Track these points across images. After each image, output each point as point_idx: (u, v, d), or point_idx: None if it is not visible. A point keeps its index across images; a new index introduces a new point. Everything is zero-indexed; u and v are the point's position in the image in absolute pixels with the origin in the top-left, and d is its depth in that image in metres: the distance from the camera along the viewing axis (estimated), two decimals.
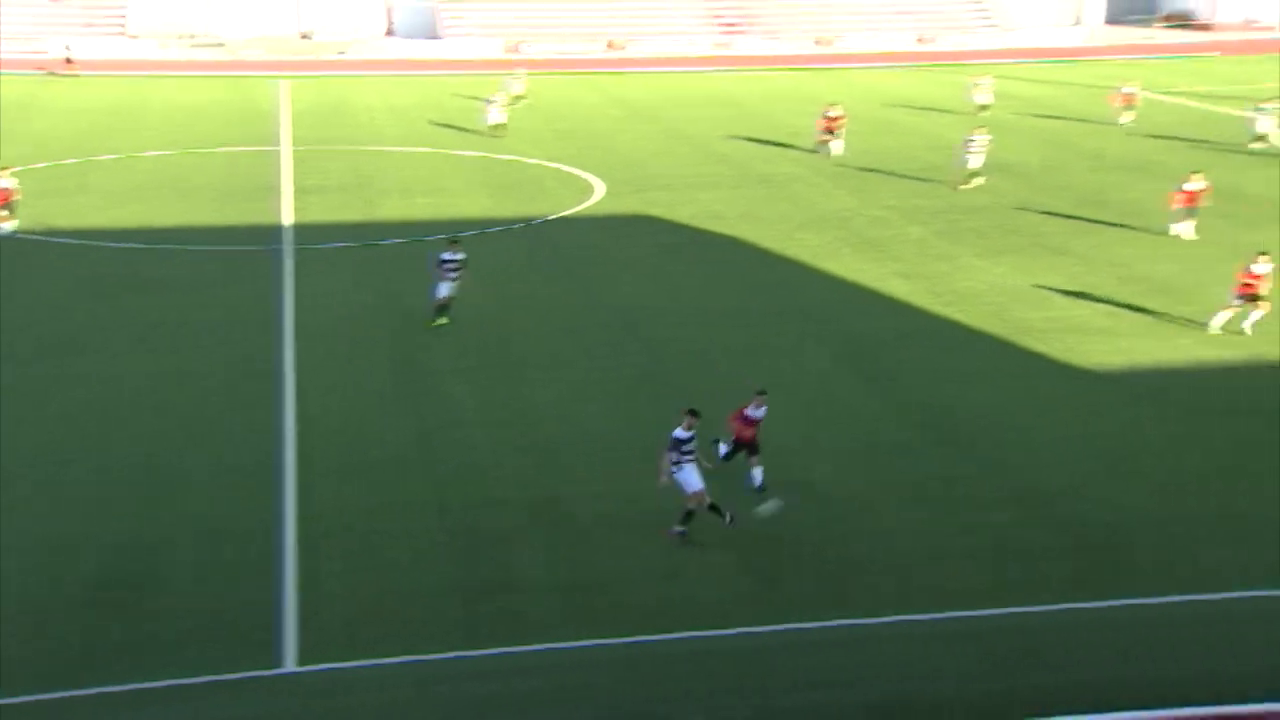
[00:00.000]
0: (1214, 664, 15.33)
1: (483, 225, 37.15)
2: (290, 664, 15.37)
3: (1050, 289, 30.79)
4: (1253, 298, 26.86)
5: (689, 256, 34.55)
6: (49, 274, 32.31)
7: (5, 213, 35.82)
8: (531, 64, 71.79)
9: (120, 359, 26.14)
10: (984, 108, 58.30)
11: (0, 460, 20.82)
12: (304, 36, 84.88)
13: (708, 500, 18.09)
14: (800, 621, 16.28)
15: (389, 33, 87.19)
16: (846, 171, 45.29)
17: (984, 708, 14.63)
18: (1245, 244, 32.00)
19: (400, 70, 75.14)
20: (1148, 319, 28.34)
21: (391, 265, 33.11)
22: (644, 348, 26.99)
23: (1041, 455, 21.34)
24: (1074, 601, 16.70)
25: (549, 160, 47.35)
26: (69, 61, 71.27)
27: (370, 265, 33.27)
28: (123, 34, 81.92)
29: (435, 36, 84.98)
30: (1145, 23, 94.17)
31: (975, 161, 42.49)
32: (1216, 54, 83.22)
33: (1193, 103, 61.61)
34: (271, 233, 36.34)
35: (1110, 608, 16.60)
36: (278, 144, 50.53)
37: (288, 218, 38.13)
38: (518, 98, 59.44)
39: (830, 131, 48.14)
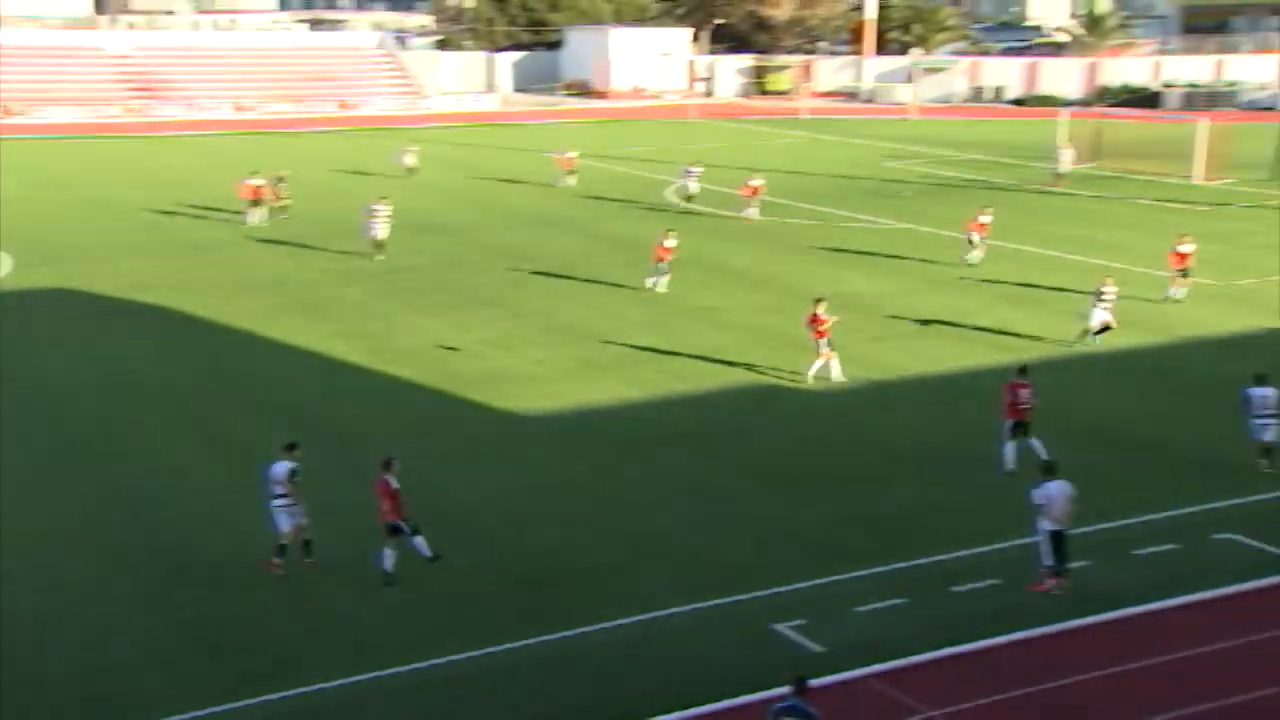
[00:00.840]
0: (650, 681, 16.17)
1: None
2: None
3: (484, 341, 31.63)
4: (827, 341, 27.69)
5: (117, 328, 32.27)
6: None
7: None
8: None
9: None
10: (412, 171, 59.33)
11: None
12: None
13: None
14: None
15: None
16: (278, 235, 44.32)
17: None
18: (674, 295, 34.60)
19: None
20: (573, 363, 29.80)
21: None
22: (61, 427, 24.85)
23: (478, 499, 21.73)
24: (524, 639, 17.05)
25: None
26: None
27: None
28: None
29: None
30: (550, 90, 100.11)
31: (380, 231, 40.60)
32: (612, 120, 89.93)
33: (600, 163, 66.06)
34: None
35: (558, 640, 17.08)
36: None
37: None
38: None
39: (258, 199, 46.84)
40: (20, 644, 16.82)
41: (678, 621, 17.61)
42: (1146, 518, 20.63)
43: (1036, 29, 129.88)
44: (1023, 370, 23.34)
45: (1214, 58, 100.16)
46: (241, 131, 76.27)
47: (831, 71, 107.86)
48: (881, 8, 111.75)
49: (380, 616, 17.72)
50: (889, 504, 21.50)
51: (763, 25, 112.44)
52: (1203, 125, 58.52)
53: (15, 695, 15.60)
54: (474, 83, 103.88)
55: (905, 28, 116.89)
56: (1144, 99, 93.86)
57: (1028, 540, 18.93)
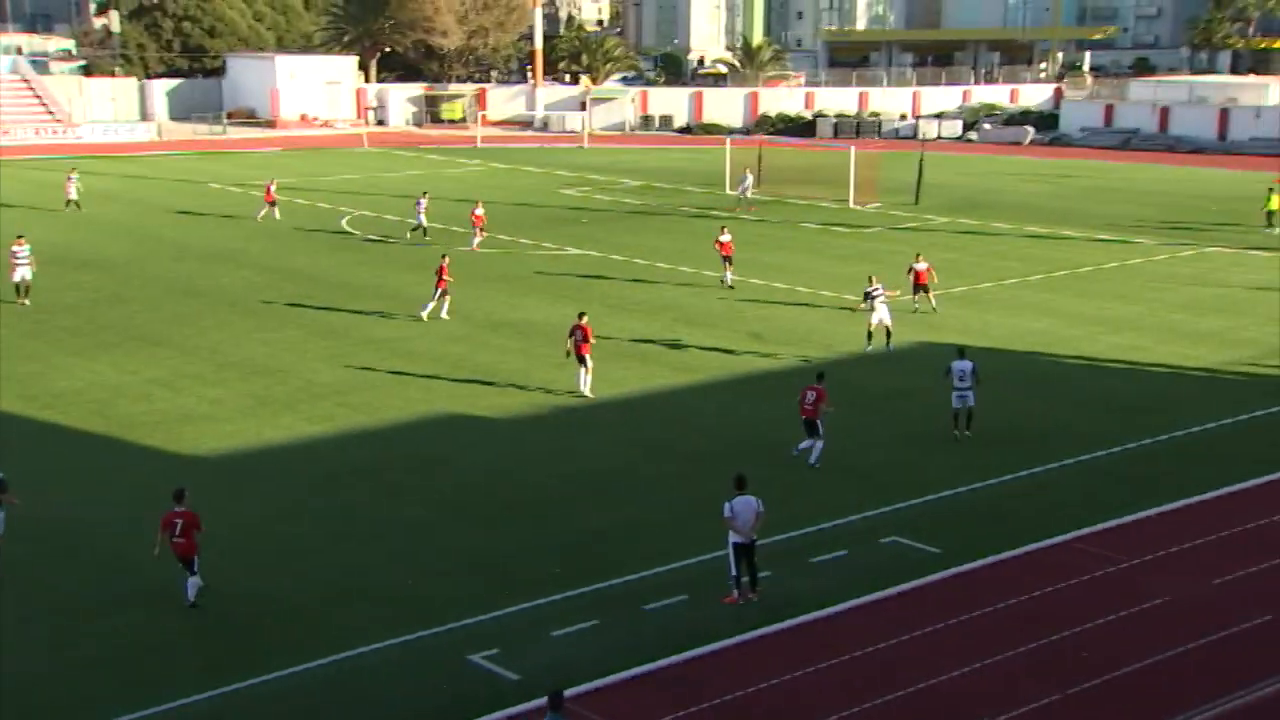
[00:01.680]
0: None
1: None
2: None
3: (153, 381, 30.08)
4: (582, 358, 28.52)
5: None
6: None
7: None
8: None
9: None
10: (73, 204, 55.78)
11: None
12: None
13: None
14: None
15: None
16: None
17: None
18: (324, 320, 33.85)
19: None
20: (250, 400, 28.74)
21: None
22: None
23: (148, 549, 20.63)
24: (210, 690, 16.29)
25: None
26: None
27: None
28: None
29: None
30: (215, 119, 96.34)
31: (23, 274, 37.73)
32: (283, 150, 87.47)
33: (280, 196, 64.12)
34: None
35: (248, 689, 16.41)
36: None
37: None
38: None
39: None
40: None
41: (373, 660, 17.25)
42: (819, 527, 21.74)
43: (701, 62, 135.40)
44: (820, 376, 25.27)
45: (858, 89, 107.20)
46: None
47: (504, 100, 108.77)
48: (549, 38, 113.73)
49: (49, 680, 16.50)
50: (579, 528, 21.77)
51: (432, 54, 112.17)
52: (853, 153, 62.43)
53: None
54: (127, 112, 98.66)
55: (574, 58, 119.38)
56: (800, 127, 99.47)
57: (716, 554, 19.60)
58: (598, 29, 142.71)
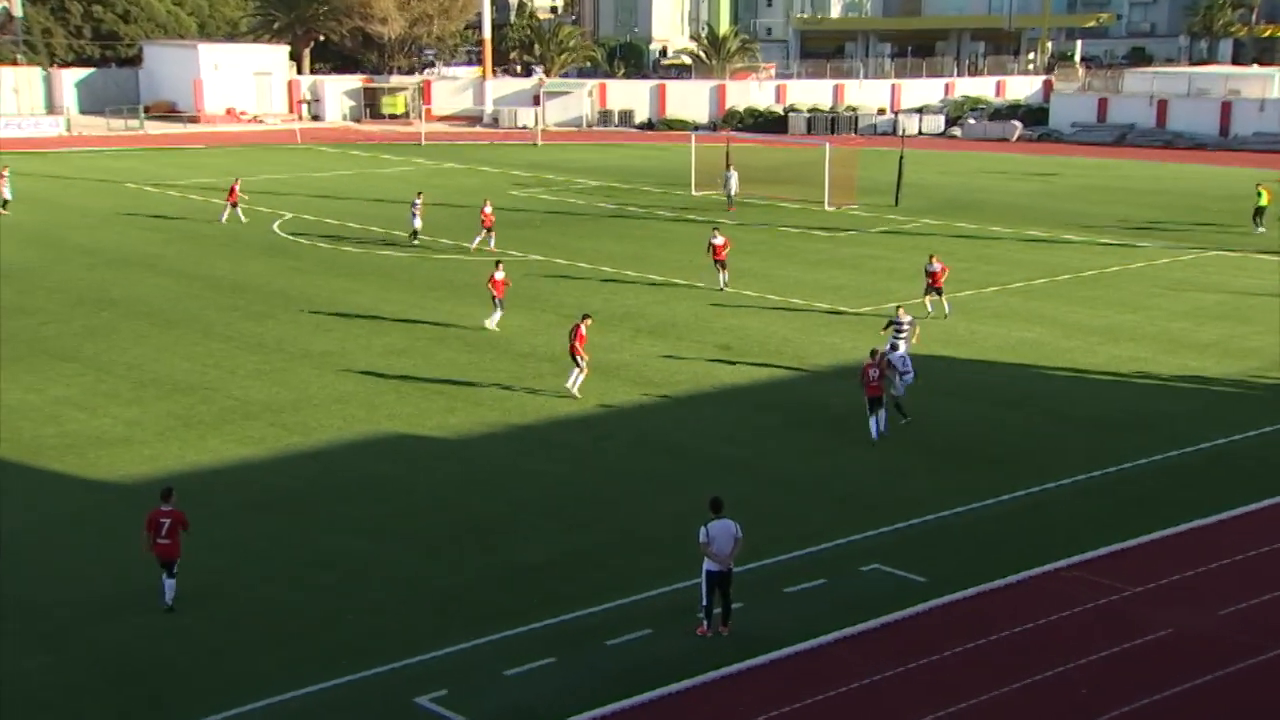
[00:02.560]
0: None
1: None
2: None
3: (62, 400, 29.81)
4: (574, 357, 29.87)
5: None
6: None
7: None
8: None
9: None
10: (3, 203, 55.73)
11: None
12: None
13: None
14: None
15: None
16: None
17: None
18: (253, 332, 33.67)
19: None
20: (171, 421, 28.50)
21: None
22: None
23: (58, 585, 20.43)
24: None
25: None
26: None
27: None
28: None
29: None
30: (131, 113, 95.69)
31: None
32: (208, 147, 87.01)
33: (196, 195, 63.71)
34: None
35: None
36: None
37: None
38: None
39: None
40: None
41: (308, 704, 17.14)
42: (795, 553, 21.80)
43: (663, 52, 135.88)
44: (873, 352, 27.83)
45: (833, 82, 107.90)
46: None
47: (451, 94, 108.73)
48: (498, 26, 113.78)
49: None
50: (532, 556, 21.74)
51: (371, 43, 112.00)
52: (827, 151, 62.78)
53: None
54: (31, 104, 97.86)
55: (526, 47, 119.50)
56: (771, 123, 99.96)
57: (682, 584, 19.61)
58: (551, 16, 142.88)
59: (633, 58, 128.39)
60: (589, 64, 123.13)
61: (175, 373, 32.20)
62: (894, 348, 29.72)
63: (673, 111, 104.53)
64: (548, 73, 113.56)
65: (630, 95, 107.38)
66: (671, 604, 19.74)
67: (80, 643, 18.67)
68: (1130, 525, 23.04)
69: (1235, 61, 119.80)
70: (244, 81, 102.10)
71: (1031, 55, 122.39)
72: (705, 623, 18.84)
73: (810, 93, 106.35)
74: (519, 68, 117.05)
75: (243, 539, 22.33)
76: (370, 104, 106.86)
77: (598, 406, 29.77)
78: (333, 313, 38.39)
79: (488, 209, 49.56)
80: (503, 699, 17.25)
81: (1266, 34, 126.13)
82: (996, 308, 40.10)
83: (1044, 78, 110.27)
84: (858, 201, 61.81)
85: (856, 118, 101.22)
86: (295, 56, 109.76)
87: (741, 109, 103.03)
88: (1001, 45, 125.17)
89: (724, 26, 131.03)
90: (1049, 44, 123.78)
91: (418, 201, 50.90)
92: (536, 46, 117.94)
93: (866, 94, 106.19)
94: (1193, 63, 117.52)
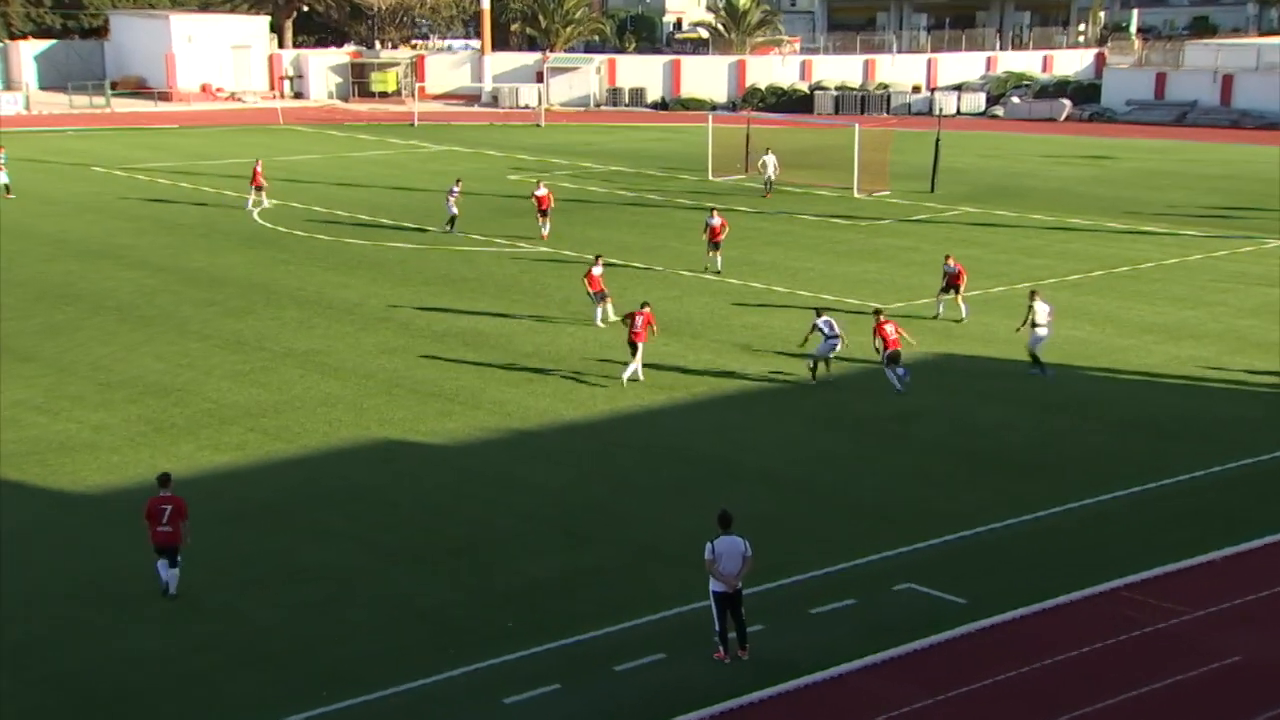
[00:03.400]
0: None
1: None
2: None
3: (22, 403, 29.88)
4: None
5: None
6: None
7: None
8: None
9: None
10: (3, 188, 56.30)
11: None
12: None
13: None
14: None
15: None
16: None
17: None
18: (232, 329, 33.71)
19: None
20: (141, 425, 28.58)
21: None
22: None
23: (18, 602, 20.48)
24: None
25: None
26: None
27: None
28: None
29: None
30: (97, 89, 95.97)
31: None
32: (183, 127, 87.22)
33: (170, 179, 63.82)
34: None
35: None
36: None
37: None
38: None
39: None
40: None
41: None
42: (823, 571, 21.77)
43: (678, 24, 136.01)
44: (877, 311, 32.54)
45: (863, 57, 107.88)
46: None
47: (446, 69, 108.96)
48: None
49: None
50: (533, 573, 21.74)
51: (360, 14, 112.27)
52: (857, 132, 62.73)
53: None
54: None
55: (529, 19, 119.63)
56: (795, 102, 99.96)
57: (698, 605, 19.59)
58: None
59: (645, 31, 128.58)
60: (597, 38, 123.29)
61: (146, 373, 32.26)
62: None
63: (688, 90, 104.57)
64: (552, 47, 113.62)
65: (642, 72, 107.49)
66: (686, 626, 19.72)
67: (40, 667, 18.70)
68: (1192, 542, 22.96)
69: None
70: (220, 55, 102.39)
71: (1082, 26, 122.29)
72: (721, 648, 18.82)
73: (838, 69, 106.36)
74: (521, 40, 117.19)
75: (217, 553, 22.33)
76: (359, 81, 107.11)
77: (606, 411, 29.78)
78: (319, 308, 38.44)
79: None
80: None
81: None
82: None
83: (1096, 51, 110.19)
84: (890, 188, 61.75)
85: (889, 96, 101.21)
86: (276, 28, 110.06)
87: (763, 87, 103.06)
88: (1049, 15, 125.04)
89: None
90: (1101, 13, 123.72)
91: (455, 189, 51.55)
92: (540, 18, 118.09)
93: (900, 70, 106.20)
94: (1261, 33, 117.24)
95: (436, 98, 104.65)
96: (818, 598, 20.84)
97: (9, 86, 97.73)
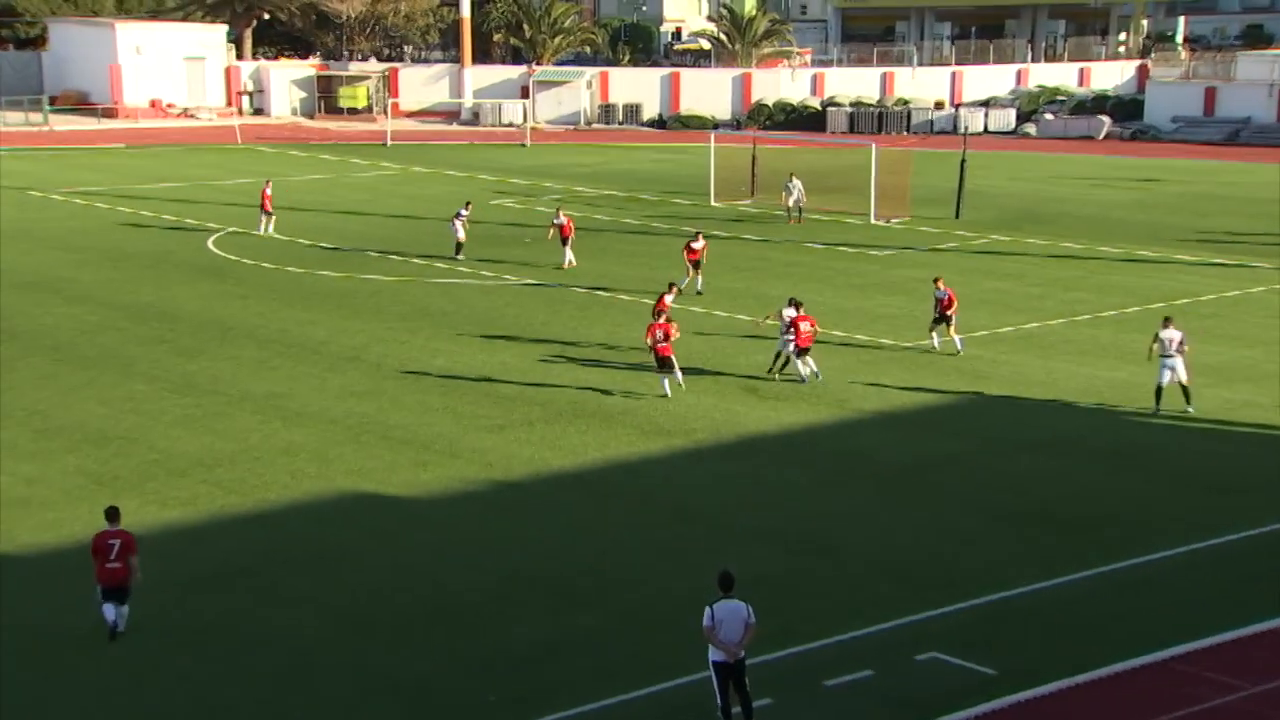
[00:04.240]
0: None
1: None
2: None
3: None
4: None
5: None
6: None
7: None
8: None
9: None
10: None
11: None
12: None
13: None
14: None
15: None
16: None
17: None
18: (183, 371, 33.72)
19: None
20: (80, 478, 28.51)
21: None
22: None
23: None
24: None
25: None
26: None
27: None
28: None
29: None
30: (33, 105, 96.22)
31: None
32: (131, 147, 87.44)
33: (115, 205, 63.95)
34: None
35: None
36: None
37: None
38: None
39: None
40: None
41: None
42: (837, 639, 21.72)
43: (677, 35, 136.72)
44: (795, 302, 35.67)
45: (880, 70, 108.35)
46: None
47: (422, 84, 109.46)
48: (479, 4, 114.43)
49: None
50: (517, 641, 21.68)
51: (327, 23, 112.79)
52: (874, 153, 62.96)
53: None
54: None
55: (513, 29, 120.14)
56: (806, 119, 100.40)
57: (699, 675, 19.53)
58: None
59: (641, 41, 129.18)
60: (588, 49, 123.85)
61: (86, 419, 32.23)
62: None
63: (688, 106, 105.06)
64: (539, 59, 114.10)
65: (638, 86, 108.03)
66: (685, 699, 19.65)
67: None
68: (1251, 608, 22.89)
69: None
70: (172, 68, 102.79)
71: (1123, 36, 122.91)
72: None
73: (853, 83, 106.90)
74: (504, 53, 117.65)
75: (167, 619, 22.28)
76: (325, 96, 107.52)
77: (597, 459, 29.77)
78: (280, 346, 38.46)
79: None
80: None
81: None
82: (1080, 341, 40.08)
83: (1138, 63, 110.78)
84: (910, 214, 61.93)
85: (909, 113, 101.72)
86: (234, 38, 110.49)
87: (771, 103, 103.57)
88: (1085, 23, 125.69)
89: (750, 5, 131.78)
90: (1144, 22, 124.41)
91: (464, 212, 52.00)
92: (525, 27, 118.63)
93: (921, 85, 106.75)
94: None
95: (411, 115, 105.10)
96: (831, 668, 20.78)
97: None
